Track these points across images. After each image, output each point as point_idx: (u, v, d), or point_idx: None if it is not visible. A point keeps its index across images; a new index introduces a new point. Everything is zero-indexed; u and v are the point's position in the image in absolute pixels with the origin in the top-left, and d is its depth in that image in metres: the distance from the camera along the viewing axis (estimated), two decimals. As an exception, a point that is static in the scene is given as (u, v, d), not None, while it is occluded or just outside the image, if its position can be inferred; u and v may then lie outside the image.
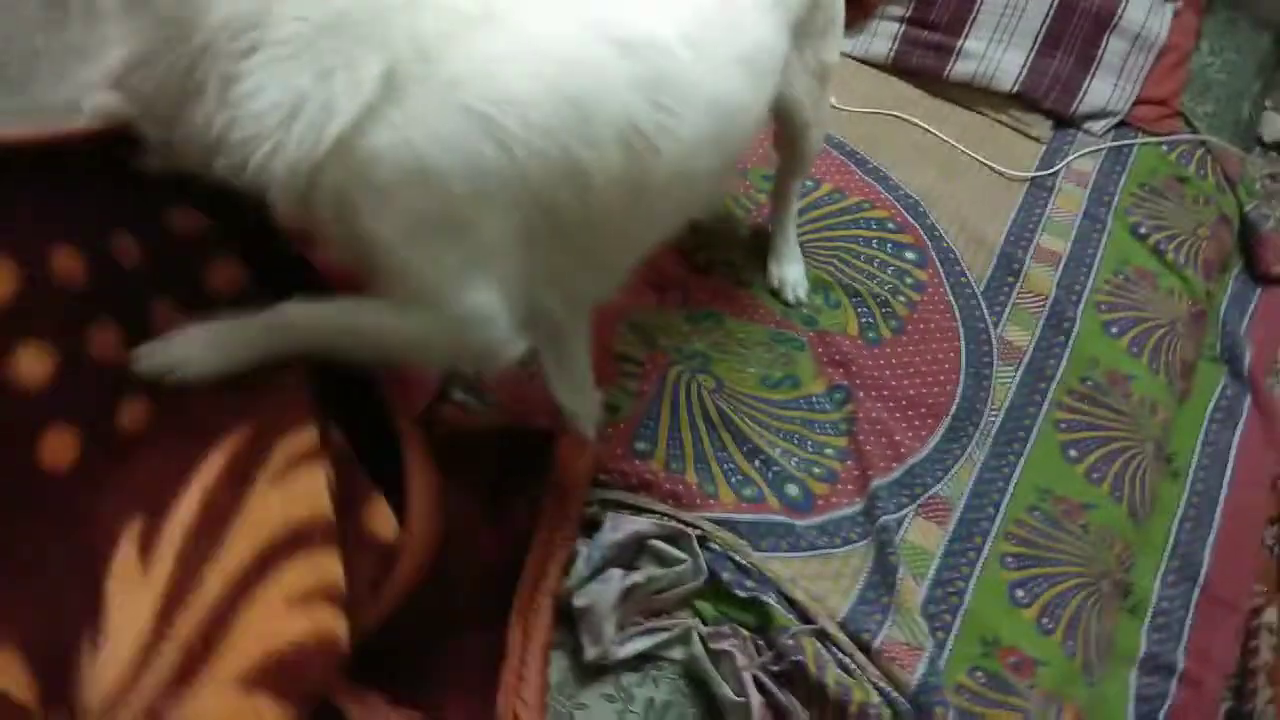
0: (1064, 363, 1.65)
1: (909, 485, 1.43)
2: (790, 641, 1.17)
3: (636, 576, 1.19)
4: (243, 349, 1.02)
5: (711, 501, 1.36)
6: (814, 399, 1.52)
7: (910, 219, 1.82)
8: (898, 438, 1.48)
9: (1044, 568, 1.39)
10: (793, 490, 1.40)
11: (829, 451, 1.46)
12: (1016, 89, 2.08)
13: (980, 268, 1.77)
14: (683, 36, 1.00)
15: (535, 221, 0.97)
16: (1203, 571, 1.52)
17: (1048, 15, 2.09)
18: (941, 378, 1.58)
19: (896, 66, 2.13)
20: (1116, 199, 1.97)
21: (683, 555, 1.21)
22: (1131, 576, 1.47)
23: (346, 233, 0.94)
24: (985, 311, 1.69)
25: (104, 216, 1.01)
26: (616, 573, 1.20)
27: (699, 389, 1.51)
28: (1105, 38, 2.09)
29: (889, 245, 1.77)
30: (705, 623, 1.22)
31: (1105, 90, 2.10)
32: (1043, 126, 2.09)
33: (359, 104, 0.86)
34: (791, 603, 1.24)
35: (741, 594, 1.21)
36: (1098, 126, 2.10)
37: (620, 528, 1.22)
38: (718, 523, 1.31)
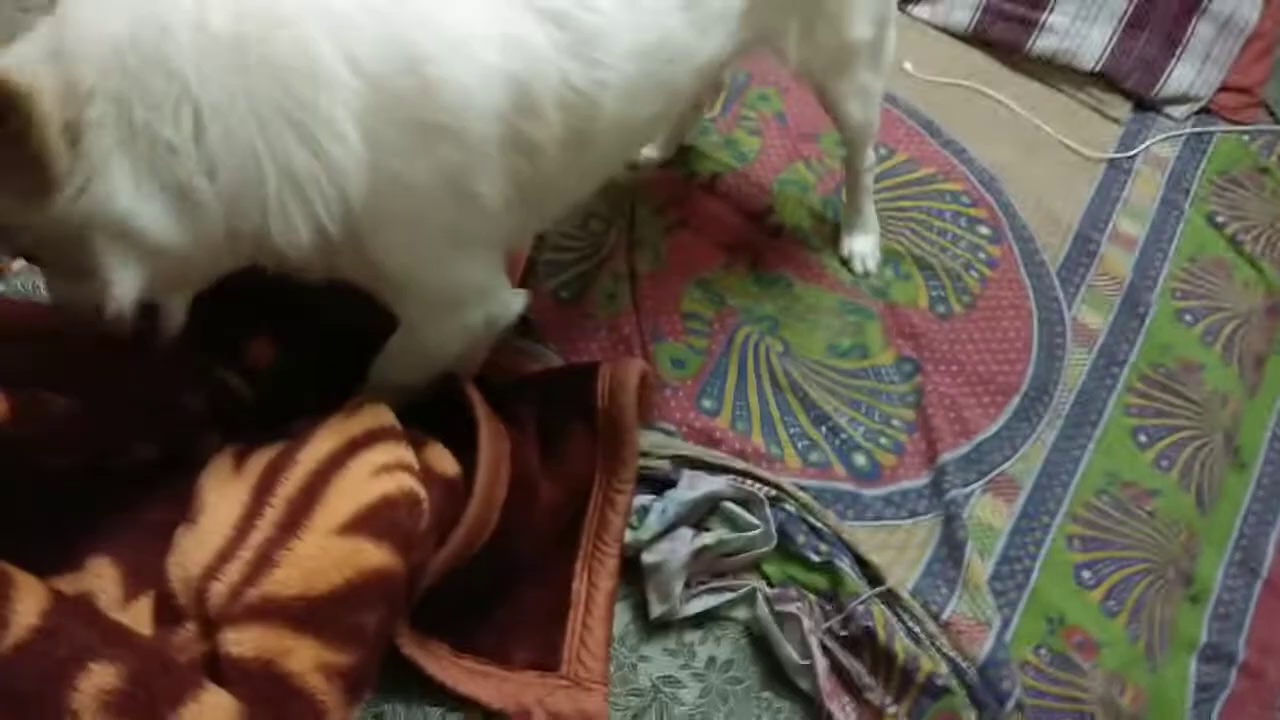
0: (1137, 348, 1.63)
1: (977, 461, 1.42)
2: (860, 607, 1.16)
3: (707, 538, 1.18)
4: None
5: (777, 465, 1.36)
6: (882, 369, 1.51)
7: (985, 193, 1.79)
8: (966, 414, 1.46)
9: (1111, 551, 1.38)
10: (860, 459, 1.39)
11: (896, 423, 1.45)
12: (1098, 68, 2.03)
13: (1055, 247, 1.74)
14: None
15: (506, 194, 0.99)
16: (1265, 564, 1.50)
17: (1136, -6, 2.03)
18: (1012, 356, 1.56)
19: (976, 36, 2.08)
20: (1195, 186, 1.93)
21: (754, 520, 1.20)
22: (1195, 565, 1.45)
23: (365, 271, 0.99)
24: (1060, 291, 1.67)
25: None
26: (687, 532, 1.20)
27: (767, 351, 1.49)
28: (1193, 21, 2.03)
29: (962, 219, 1.74)
30: (771, 584, 1.22)
31: (1189, 75, 2.04)
32: (1122, 108, 2.04)
33: (359, 163, 0.87)
34: (864, 567, 1.23)
35: (815, 558, 1.20)
36: (1179, 111, 2.05)
37: (696, 486, 1.21)
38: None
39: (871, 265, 1.63)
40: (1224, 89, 2.08)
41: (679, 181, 1.73)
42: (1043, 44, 2.04)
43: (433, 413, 1.19)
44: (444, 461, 1.12)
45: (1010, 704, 1.17)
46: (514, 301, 1.15)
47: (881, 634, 1.15)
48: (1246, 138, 2.05)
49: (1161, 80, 2.04)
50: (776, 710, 1.17)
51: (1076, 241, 1.76)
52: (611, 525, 1.22)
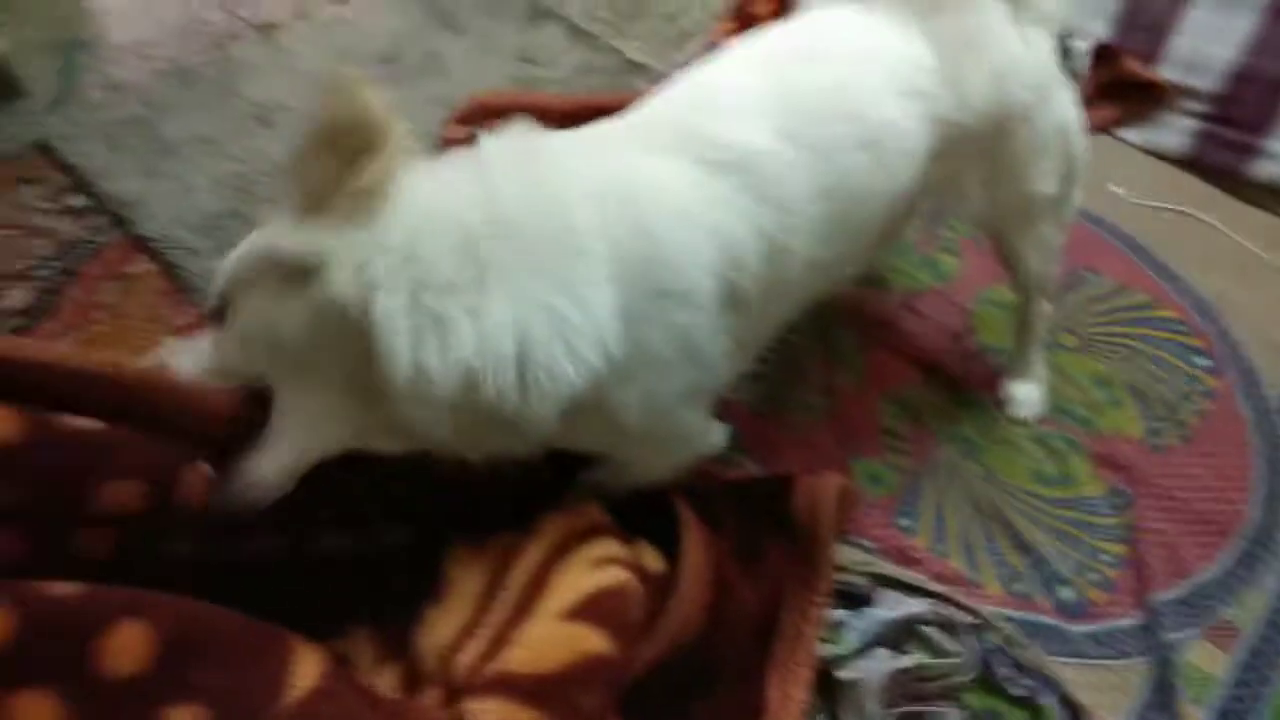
0: (1374, 493, 1.52)
1: (1194, 605, 1.36)
2: (1065, 749, 1.14)
3: (907, 661, 1.19)
4: None
5: (977, 591, 1.35)
6: (1090, 501, 1.47)
7: (1201, 322, 1.74)
8: (1182, 553, 1.41)
9: (1347, 714, 1.28)
10: (1066, 593, 1.36)
11: (1105, 557, 1.41)
12: (1325, 194, 1.95)
13: (1279, 381, 1.66)
14: (780, 134, 1.02)
15: (725, 346, 1.05)
16: None
17: (1363, 120, 1.95)
18: (1233, 495, 1.49)
19: (1191, 161, 2.04)
20: None
21: (954, 647, 1.20)
22: None
23: (595, 433, 1.04)
24: (1285, 428, 1.59)
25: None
26: (884, 652, 1.20)
27: (967, 474, 1.49)
28: None
29: (1178, 348, 1.69)
30: (971, 714, 1.20)
31: None
32: (1352, 236, 1.94)
33: (612, 315, 0.92)
34: (1069, 707, 1.20)
35: (1016, 693, 1.18)
36: None
37: (896, 607, 1.22)
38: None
39: (1029, 414, 1.58)
40: None
41: (878, 299, 1.77)
42: (1263, 169, 1.98)
43: (640, 513, 1.27)
44: (651, 559, 1.20)
45: None
46: (717, 436, 1.21)
47: (1089, 779, 1.11)
48: None
49: (1398, 208, 1.93)
50: (972, 844, 1.14)
51: (1302, 376, 1.68)
52: (806, 637, 1.24)
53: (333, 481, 1.02)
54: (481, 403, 0.88)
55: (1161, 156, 2.07)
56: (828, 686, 1.22)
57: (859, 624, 1.22)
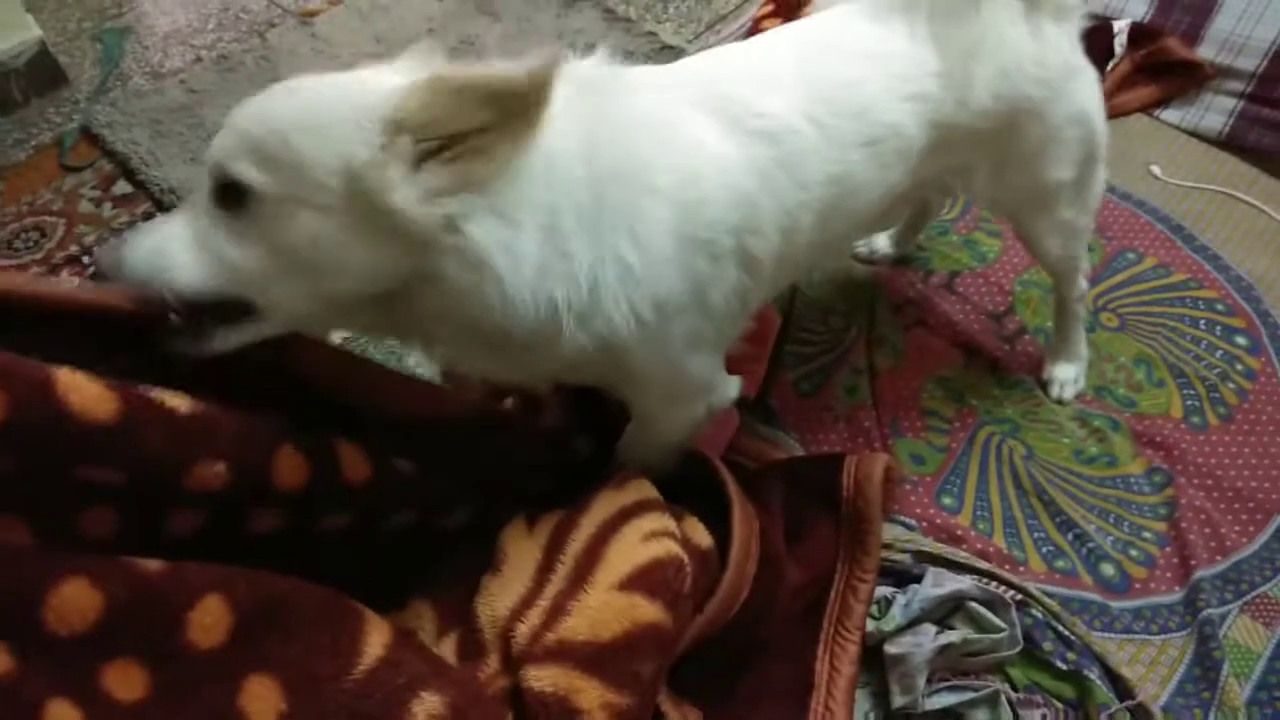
0: None
1: (1235, 581, 1.37)
2: (1108, 719, 1.15)
3: (953, 636, 1.20)
4: None
5: (1021, 569, 1.36)
6: (1131, 479, 1.48)
7: (1242, 302, 1.74)
8: (1223, 530, 1.42)
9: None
10: (1108, 570, 1.37)
11: (1147, 535, 1.42)
12: (1368, 174, 1.93)
13: (1321, 361, 1.66)
14: (807, 116, 1.06)
15: (731, 303, 1.08)
16: None
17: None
18: (1274, 473, 1.49)
19: (1231, 142, 2.03)
20: None
21: (999, 622, 1.22)
22: None
23: (613, 370, 1.06)
24: (1326, 408, 1.59)
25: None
26: (931, 628, 1.22)
27: (1010, 453, 1.51)
28: None
29: (1218, 328, 1.69)
30: (1015, 688, 1.22)
31: None
32: (1395, 215, 1.93)
33: (643, 264, 0.95)
34: (1114, 680, 1.21)
35: (1062, 665, 1.20)
36: None
37: (942, 584, 1.24)
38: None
39: (1069, 394, 1.59)
40: None
41: (918, 280, 1.78)
42: (1305, 149, 1.97)
43: (690, 492, 1.30)
44: (700, 534, 1.22)
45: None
46: (731, 389, 1.23)
47: (1133, 749, 1.13)
48: None
49: None
50: (1016, 814, 1.16)
51: (1345, 356, 1.67)
52: (854, 612, 1.26)
53: (400, 471, 1.05)
54: (544, 334, 0.92)
55: (1201, 137, 2.06)
56: (875, 661, 1.24)
57: (905, 600, 1.24)
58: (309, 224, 0.82)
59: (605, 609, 1.01)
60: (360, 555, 1.06)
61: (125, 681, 0.78)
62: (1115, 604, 1.34)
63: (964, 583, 1.24)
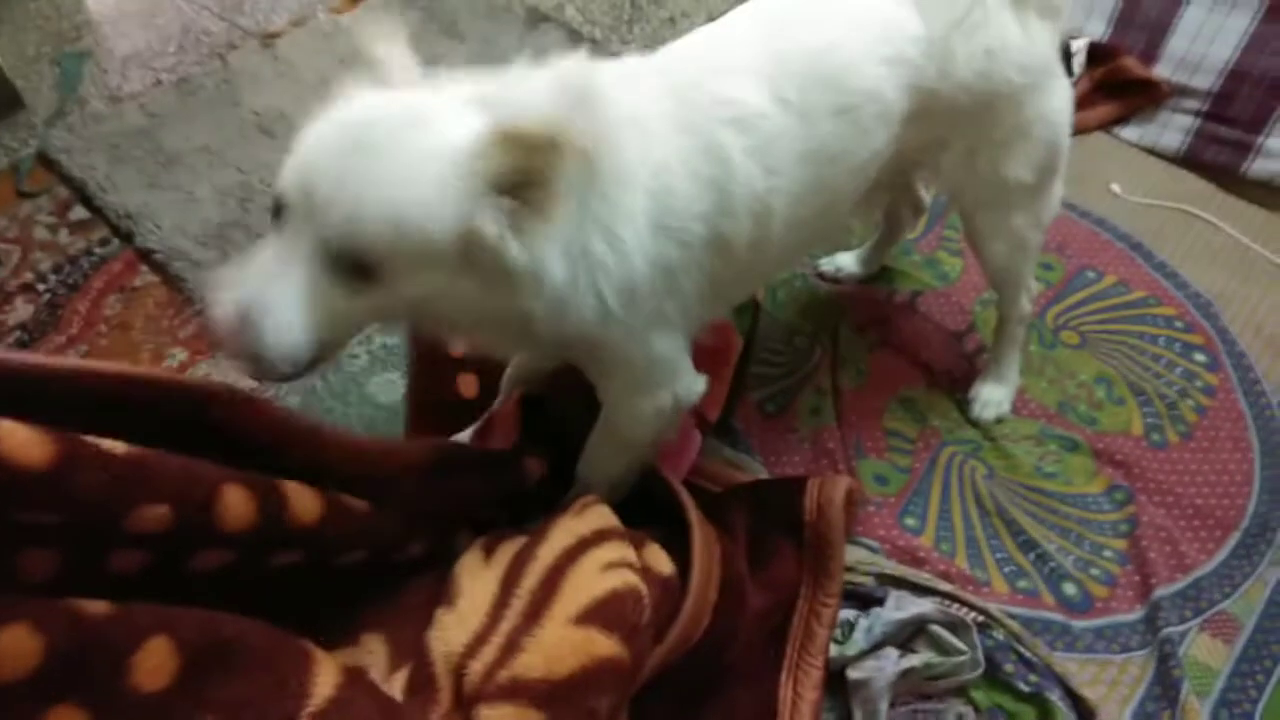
0: (1373, 488, 1.54)
1: (1194, 599, 1.38)
2: (1071, 743, 1.15)
3: (914, 660, 1.20)
4: None
5: (984, 589, 1.36)
6: (1090, 497, 1.49)
7: (1200, 319, 1.75)
8: (1183, 547, 1.42)
9: (1348, 706, 1.29)
10: (1070, 589, 1.38)
11: (1107, 554, 1.42)
12: (1321, 190, 1.97)
13: (1277, 375, 1.68)
14: (774, 98, 1.07)
15: (701, 287, 1.11)
16: None
17: (1360, 116, 1.97)
18: (1232, 489, 1.51)
19: (1188, 160, 2.06)
20: None
21: (961, 646, 1.21)
22: None
23: (584, 350, 1.13)
24: (1283, 423, 1.60)
25: None
26: (893, 652, 1.22)
27: (972, 473, 1.51)
28: None
29: (1177, 345, 1.71)
30: (977, 710, 1.22)
31: None
32: (1350, 231, 1.96)
33: (643, 258, 1.01)
34: (1075, 700, 1.21)
35: (1024, 688, 1.20)
36: None
37: (904, 607, 1.23)
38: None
39: (989, 415, 1.58)
40: None
41: (881, 300, 1.79)
42: (1260, 167, 2.00)
43: (650, 517, 1.29)
44: (660, 561, 1.21)
45: None
46: (696, 384, 1.23)
47: (1095, 772, 1.13)
48: None
49: (1395, 203, 1.95)
50: (981, 841, 1.16)
51: (1302, 371, 1.69)
52: (817, 637, 1.26)
53: (354, 510, 1.04)
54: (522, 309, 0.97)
55: (1160, 155, 2.09)
56: (838, 686, 1.24)
57: (867, 624, 1.23)
58: (428, 281, 0.90)
59: (561, 644, 1.00)
60: (311, 588, 1.04)
61: None
62: (1077, 623, 1.34)
63: (926, 606, 1.24)
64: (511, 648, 1.00)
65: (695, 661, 1.19)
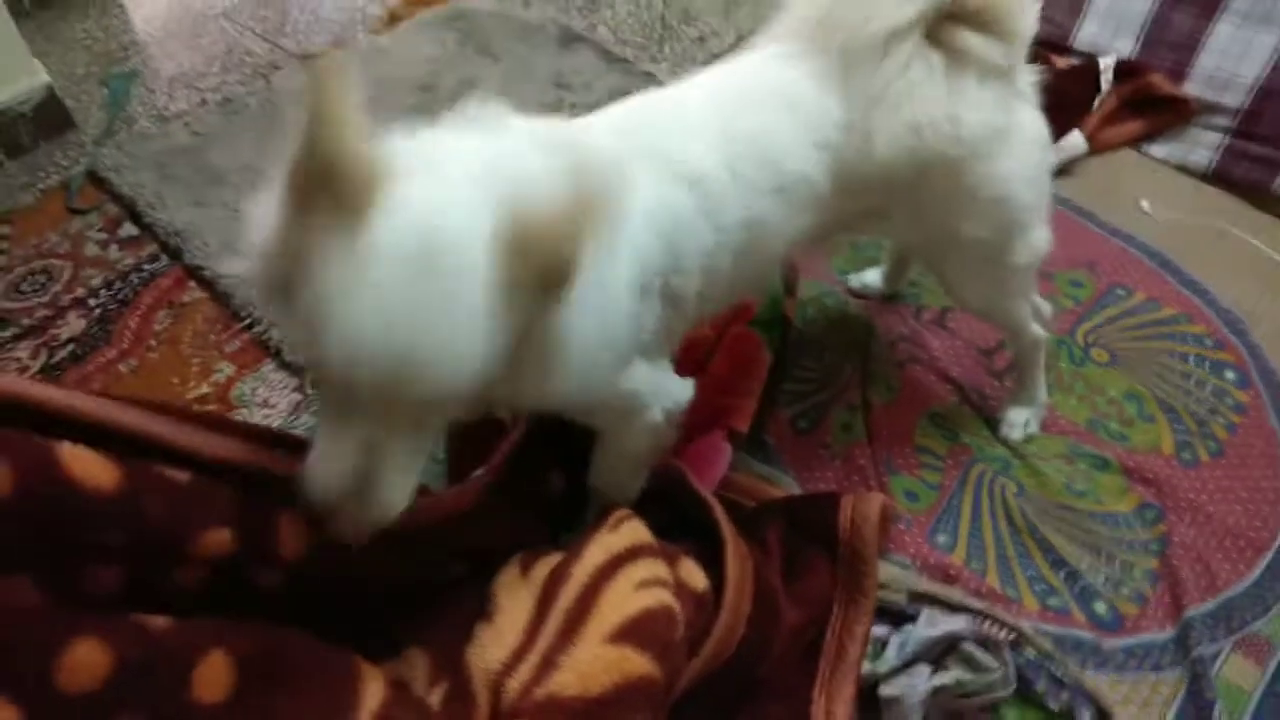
0: (1407, 507, 1.54)
1: (1226, 619, 1.38)
2: (1102, 762, 1.17)
3: (946, 678, 1.22)
4: None
5: (1015, 607, 1.38)
6: (1121, 516, 1.50)
7: (1230, 336, 1.76)
8: (1215, 567, 1.43)
9: (1380, 728, 1.30)
10: (1100, 607, 1.39)
11: (1138, 572, 1.43)
12: (1354, 207, 1.96)
13: (1310, 395, 1.69)
14: (725, 165, 1.10)
15: (657, 332, 1.13)
16: None
17: (1392, 132, 1.97)
18: (1265, 509, 1.51)
19: (1218, 176, 2.06)
20: None
21: (993, 663, 1.23)
22: None
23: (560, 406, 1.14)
24: (1316, 443, 1.61)
25: None
26: (925, 669, 1.24)
27: (1003, 490, 1.53)
28: None
29: (1207, 362, 1.72)
30: (1008, 728, 1.24)
31: None
32: (1383, 248, 1.95)
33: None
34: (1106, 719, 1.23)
35: (1055, 706, 1.22)
36: None
37: (936, 625, 1.25)
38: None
39: (1016, 435, 1.59)
40: None
41: (911, 316, 1.81)
42: (1292, 183, 2.00)
43: (684, 532, 1.31)
44: (694, 577, 1.23)
45: None
46: (683, 391, 1.24)
47: (1126, 791, 1.14)
48: None
49: None
50: None
51: (1334, 390, 1.69)
52: (849, 654, 1.27)
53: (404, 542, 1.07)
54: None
55: (1189, 172, 2.09)
56: (870, 703, 1.26)
57: (900, 641, 1.25)
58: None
59: (595, 662, 1.02)
60: (358, 603, 1.07)
61: None
62: (1108, 642, 1.35)
63: (958, 623, 1.26)
64: (547, 666, 1.03)
65: (730, 674, 1.22)
